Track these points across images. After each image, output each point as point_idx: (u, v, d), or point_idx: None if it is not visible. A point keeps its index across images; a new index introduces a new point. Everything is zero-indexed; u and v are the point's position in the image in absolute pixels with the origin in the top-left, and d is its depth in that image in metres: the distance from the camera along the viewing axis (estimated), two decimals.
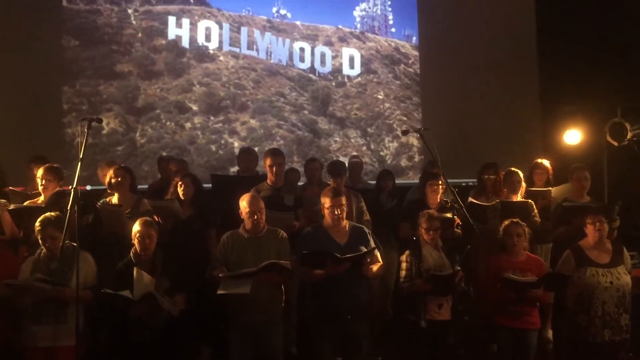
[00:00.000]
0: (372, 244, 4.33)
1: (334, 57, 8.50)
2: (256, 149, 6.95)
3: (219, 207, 5.17)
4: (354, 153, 8.12)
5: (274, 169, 5.20)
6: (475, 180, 6.25)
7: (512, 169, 5.50)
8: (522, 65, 8.75)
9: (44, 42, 7.37)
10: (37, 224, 4.05)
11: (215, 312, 4.54)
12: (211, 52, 8.03)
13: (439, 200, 5.26)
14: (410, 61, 8.81)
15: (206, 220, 5.04)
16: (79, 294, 3.77)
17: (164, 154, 7.59)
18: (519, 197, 5.44)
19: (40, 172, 4.77)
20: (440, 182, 5.19)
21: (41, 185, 4.74)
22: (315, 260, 4.17)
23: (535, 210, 5.34)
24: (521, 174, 5.47)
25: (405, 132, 5.21)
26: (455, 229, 4.88)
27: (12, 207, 4.52)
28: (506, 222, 4.66)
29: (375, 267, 4.32)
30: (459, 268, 4.43)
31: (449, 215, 4.72)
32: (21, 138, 6.83)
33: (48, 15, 7.42)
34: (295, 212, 5.15)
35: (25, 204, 4.69)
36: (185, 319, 4.22)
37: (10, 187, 5.06)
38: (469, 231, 4.57)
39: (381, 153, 8.56)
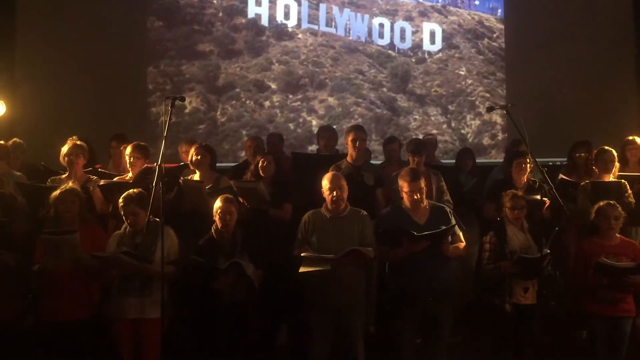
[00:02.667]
0: (454, 223, 4.20)
1: (414, 33, 8.27)
2: (334, 127, 6.91)
3: (299, 184, 5.18)
4: (434, 131, 7.90)
5: (357, 143, 5.14)
6: (564, 159, 5.95)
7: (605, 147, 5.18)
8: (616, 36, 8.17)
9: (130, 24, 7.61)
10: (120, 200, 4.18)
11: (294, 291, 4.56)
12: (290, 29, 8.01)
13: (525, 180, 5.02)
14: (494, 35, 8.43)
15: (286, 196, 5.04)
16: (163, 268, 3.86)
17: (244, 132, 7.72)
18: (611, 177, 5.11)
19: (128, 150, 4.93)
20: (527, 161, 4.95)
21: (129, 162, 4.89)
22: (392, 239, 4.09)
23: (630, 191, 5.00)
24: (615, 153, 5.14)
25: (490, 109, 5.02)
26: (545, 212, 4.65)
27: (102, 182, 4.70)
28: (601, 204, 4.39)
29: (457, 247, 4.19)
30: (548, 251, 4.21)
31: (537, 196, 4.49)
32: (109, 118, 7.10)
33: None
34: (374, 191, 5.08)
35: (114, 179, 4.86)
36: (264, 297, 4.26)
37: (99, 167, 5.27)
38: (559, 212, 4.34)
39: (462, 131, 8.29)
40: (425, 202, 4.29)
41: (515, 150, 5.53)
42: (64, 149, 4.79)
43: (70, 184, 4.37)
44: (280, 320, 5.05)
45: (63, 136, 5.02)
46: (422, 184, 4.21)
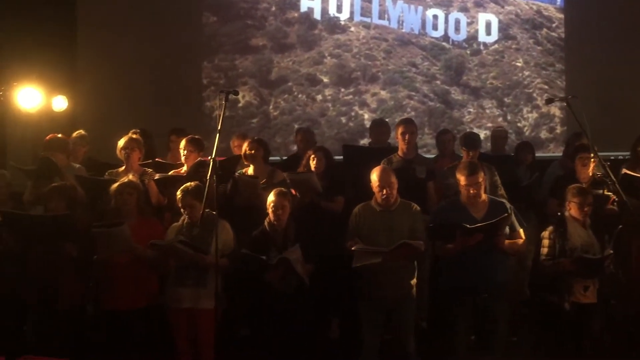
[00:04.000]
0: (512, 218, 4.10)
1: (469, 24, 8.08)
2: (385, 120, 6.84)
3: (350, 177, 5.17)
4: (489, 124, 7.73)
5: (407, 137, 5.08)
6: (626, 153, 5.70)
7: None
8: None
9: (186, 20, 7.77)
10: (178, 193, 4.26)
11: (345, 284, 4.56)
12: (342, 23, 7.97)
13: (590, 175, 4.84)
14: (553, 25, 8.15)
15: (338, 189, 5.03)
16: (217, 260, 3.92)
17: (296, 126, 7.74)
18: None
19: (182, 143, 5.02)
20: (591, 155, 4.77)
21: (183, 155, 4.98)
22: (445, 233, 4.03)
23: None
24: None
25: (549, 101, 4.87)
26: (611, 206, 4.47)
27: (157, 176, 4.80)
28: None
29: (515, 242, 4.09)
30: (611, 252, 4.05)
31: (601, 191, 4.32)
32: (165, 111, 7.26)
33: None
34: (426, 185, 5.01)
35: (169, 173, 4.95)
36: (315, 291, 4.27)
37: (158, 159, 5.38)
38: (622, 208, 4.16)
39: (519, 124, 8.07)
40: (484, 196, 4.20)
41: (579, 144, 5.34)
42: (121, 142, 4.91)
43: (130, 176, 4.47)
44: (331, 314, 5.05)
45: (123, 130, 5.15)
46: (480, 178, 4.13)
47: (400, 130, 5.14)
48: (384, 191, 4.16)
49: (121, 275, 4.19)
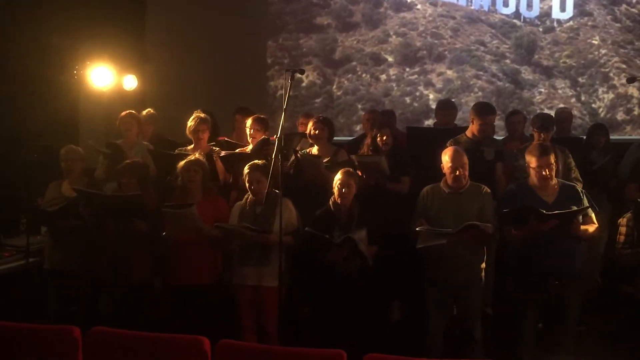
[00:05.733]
0: (586, 204, 3.93)
1: (542, 0, 7.74)
2: (452, 100, 6.68)
3: (414, 159, 5.08)
4: (561, 105, 7.41)
5: (484, 128, 4.91)
6: None
7: None
8: None
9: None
10: (245, 168, 4.31)
11: (409, 267, 4.50)
12: (409, 1, 7.80)
13: None
14: (634, 0, 7.70)
15: (403, 170, 4.96)
16: (281, 238, 3.94)
17: (360, 106, 7.67)
18: None
19: (249, 122, 5.05)
20: None
21: (249, 134, 5.02)
22: (518, 218, 3.89)
23: None
24: None
25: (631, 80, 4.62)
26: None
27: (223, 153, 4.86)
28: None
29: (589, 228, 3.92)
30: None
31: None
32: (230, 91, 7.34)
33: None
34: (494, 166, 4.87)
35: (235, 151, 5.01)
36: (378, 273, 4.23)
37: (225, 138, 5.45)
38: None
39: (593, 105, 7.71)
40: (555, 180, 4.04)
41: None
42: (190, 122, 4.98)
43: (197, 154, 4.55)
44: (394, 296, 5.01)
45: (189, 108, 5.23)
46: (552, 159, 3.96)
47: (479, 121, 4.91)
48: (457, 172, 4.07)
49: (187, 252, 4.29)
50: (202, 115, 5.02)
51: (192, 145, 5.00)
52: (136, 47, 7.49)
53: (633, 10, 7.71)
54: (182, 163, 4.43)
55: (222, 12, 7.62)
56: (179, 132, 5.27)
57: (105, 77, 6.54)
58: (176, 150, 5.01)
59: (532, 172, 4.02)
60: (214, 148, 4.97)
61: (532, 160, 4.00)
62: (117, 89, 6.80)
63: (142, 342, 3.06)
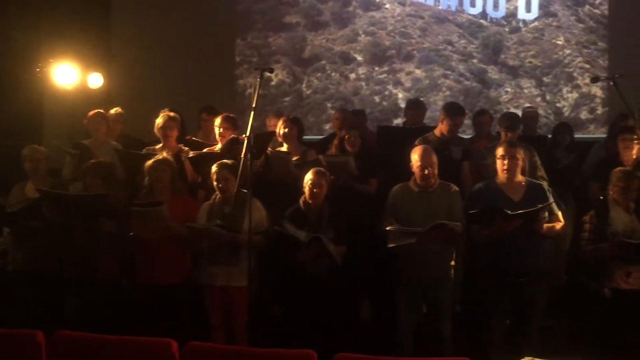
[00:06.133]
0: (551, 200, 4.01)
1: (508, 0, 7.84)
2: (421, 99, 6.73)
3: (384, 158, 5.10)
4: (527, 104, 7.53)
5: (453, 128, 4.98)
6: None
7: None
8: None
9: None
10: (213, 167, 4.28)
11: (378, 266, 4.52)
12: (377, 0, 7.82)
13: (635, 157, 4.68)
14: (597, 1, 7.85)
15: (371, 171, 4.98)
16: (250, 238, 3.91)
17: (329, 105, 7.68)
18: None
19: (217, 121, 5.00)
20: (635, 137, 4.62)
21: (218, 133, 4.97)
22: (484, 218, 3.94)
23: None
24: None
25: (595, 80, 4.70)
26: None
27: (191, 154, 4.81)
28: None
29: (554, 226, 3.99)
30: None
31: None
32: (198, 89, 7.26)
33: None
34: (461, 164, 4.93)
35: (203, 150, 4.95)
36: (347, 272, 4.24)
37: (192, 137, 5.39)
38: None
39: (558, 104, 7.85)
40: (522, 178, 4.11)
41: (622, 125, 5.16)
42: (158, 121, 4.91)
43: (165, 154, 4.49)
44: (363, 295, 5.02)
45: (155, 107, 5.15)
46: (519, 154, 4.03)
47: (448, 121, 4.97)
48: (426, 171, 4.10)
49: (156, 251, 4.24)
50: (171, 113, 4.96)
51: (160, 144, 4.93)
52: (101, 44, 7.37)
53: (596, 11, 7.87)
54: (150, 162, 4.37)
55: (190, 10, 7.55)
56: (146, 131, 5.19)
57: (69, 75, 6.41)
58: (144, 150, 4.94)
59: (498, 163, 4.07)
60: (183, 148, 4.91)
61: (499, 150, 4.07)
62: (82, 87, 6.67)
63: (108, 345, 3.00)
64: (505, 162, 4.03)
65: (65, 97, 6.68)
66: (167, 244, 4.22)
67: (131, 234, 4.25)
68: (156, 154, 4.52)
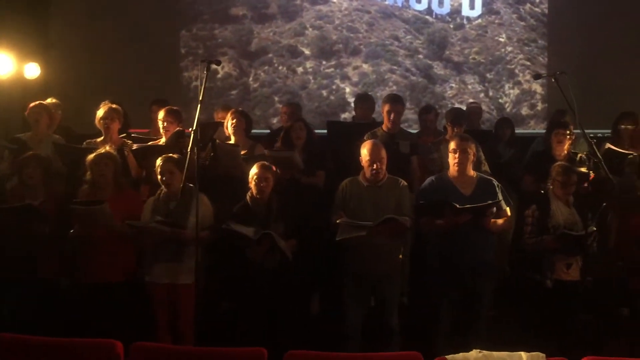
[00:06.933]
0: (500, 197, 4.08)
1: None
2: (370, 94, 6.75)
3: (331, 151, 5.10)
4: (471, 100, 7.68)
5: (392, 115, 5.02)
6: (606, 131, 5.72)
7: None
8: None
9: None
10: (158, 160, 4.17)
11: (327, 259, 4.52)
12: None
13: (566, 152, 4.85)
14: (537, 0, 8.10)
15: (318, 164, 4.97)
16: (198, 234, 3.83)
17: (277, 99, 7.62)
18: None
19: (161, 115, 4.88)
20: (568, 132, 4.78)
21: (162, 127, 4.85)
22: (434, 210, 3.99)
23: None
24: None
25: (537, 77, 4.85)
26: (587, 184, 4.49)
27: (135, 147, 4.67)
28: None
29: (499, 221, 4.08)
30: (594, 228, 4.06)
31: (582, 169, 4.32)
32: (142, 81, 7.08)
33: None
34: (411, 159, 4.98)
35: (147, 144, 4.82)
36: (297, 266, 4.22)
37: (132, 131, 5.23)
38: (607, 187, 4.16)
39: (500, 100, 8.06)
40: (472, 173, 4.18)
41: (557, 120, 5.33)
42: (100, 112, 4.75)
43: (107, 147, 4.34)
44: (313, 289, 5.02)
45: (95, 100, 4.99)
46: (470, 148, 4.10)
47: (386, 107, 5.07)
48: (375, 166, 4.11)
49: (97, 250, 4.09)
50: (113, 105, 4.81)
51: (101, 138, 4.76)
52: (39, 32, 7.05)
53: (537, 9, 8.11)
54: (91, 156, 4.21)
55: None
56: (87, 124, 5.01)
57: (4, 64, 6.11)
58: (84, 143, 4.76)
59: (450, 157, 4.13)
60: (126, 141, 4.76)
61: (451, 144, 4.12)
62: (17, 77, 6.37)
63: (48, 348, 2.90)
64: (457, 155, 4.10)
65: (0, 88, 6.37)
66: (110, 242, 4.09)
67: (71, 231, 4.09)
68: (97, 148, 4.36)
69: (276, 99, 7.66)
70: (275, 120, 7.35)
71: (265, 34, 7.76)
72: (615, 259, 4.45)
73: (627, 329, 4.44)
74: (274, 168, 4.61)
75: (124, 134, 4.97)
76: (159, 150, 4.41)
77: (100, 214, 3.98)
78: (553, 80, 4.10)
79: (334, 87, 7.82)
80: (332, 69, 7.84)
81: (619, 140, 5.31)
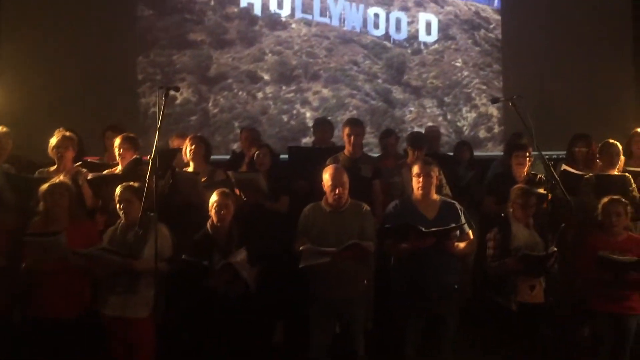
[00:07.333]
0: (463, 221, 4.10)
1: (409, 23, 8.12)
2: (329, 119, 6.76)
3: (294, 178, 5.06)
4: (430, 123, 7.78)
5: (352, 138, 5.02)
6: (560, 152, 5.86)
7: (610, 140, 5.08)
8: (613, 25, 8.10)
9: (119, 12, 7.41)
10: (117, 188, 4.05)
11: (291, 286, 4.44)
12: (283, 19, 7.83)
13: (525, 174, 4.93)
14: (491, 26, 8.30)
15: (282, 189, 4.92)
16: (157, 265, 3.71)
17: (237, 124, 7.55)
18: (615, 172, 5.02)
19: (117, 142, 4.77)
20: (527, 154, 4.89)
21: (118, 154, 4.73)
22: (398, 233, 3.98)
23: (634, 185, 4.91)
24: (620, 146, 5.04)
25: (494, 101, 4.94)
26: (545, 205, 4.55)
27: (90, 176, 4.53)
28: (605, 200, 4.29)
29: (462, 244, 4.10)
30: (555, 249, 4.10)
31: (541, 190, 4.38)
32: (97, 108, 6.91)
33: None
34: (373, 183, 4.98)
35: (103, 173, 4.68)
36: (260, 294, 4.13)
37: (88, 158, 5.08)
38: (565, 207, 4.23)
39: (458, 124, 8.17)
40: (436, 196, 4.19)
41: (515, 143, 5.43)
42: (53, 140, 4.62)
43: (61, 177, 4.20)
44: (276, 317, 4.92)
45: (49, 127, 4.86)
46: (434, 172, 4.12)
47: (346, 131, 5.07)
48: (337, 191, 4.09)
49: (51, 283, 3.94)
50: (67, 133, 4.68)
51: (54, 166, 4.61)
52: None
53: (491, 35, 8.30)
54: (45, 186, 4.07)
55: (89, 23, 7.19)
56: (40, 152, 4.84)
57: None
58: (37, 172, 4.60)
59: (414, 181, 4.14)
60: (81, 170, 4.62)
61: (415, 168, 4.13)
62: None
63: None
64: (420, 179, 4.11)
65: None
66: (64, 275, 3.93)
67: (23, 265, 3.92)
68: (49, 178, 4.21)
69: (236, 124, 7.59)
70: (235, 146, 7.27)
71: (224, 60, 7.70)
72: (575, 279, 4.49)
73: (587, 350, 4.48)
74: (237, 192, 4.55)
75: (79, 162, 4.83)
76: (115, 179, 4.29)
77: (55, 245, 3.83)
78: (510, 104, 4.17)
79: (294, 112, 7.80)
80: (292, 94, 7.83)
81: (574, 161, 5.45)
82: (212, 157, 5.27)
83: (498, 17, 8.31)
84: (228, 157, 6.46)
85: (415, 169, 4.14)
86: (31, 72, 6.89)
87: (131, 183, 4.08)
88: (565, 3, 8.11)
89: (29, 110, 6.64)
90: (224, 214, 4.08)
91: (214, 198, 4.10)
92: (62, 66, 7.03)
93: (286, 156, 5.64)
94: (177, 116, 7.48)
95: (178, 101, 7.48)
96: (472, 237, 4.20)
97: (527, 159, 5.01)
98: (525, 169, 5.02)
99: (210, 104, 7.64)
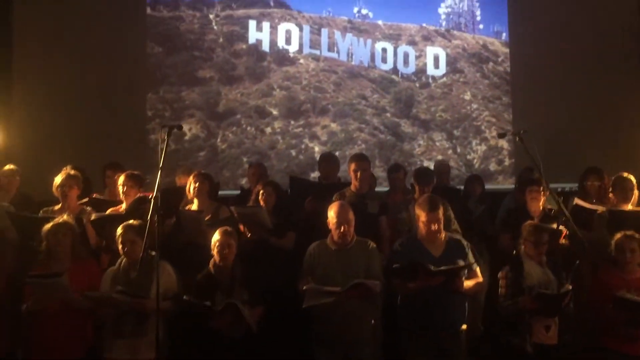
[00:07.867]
0: (471, 259, 4.01)
1: (417, 57, 8.15)
2: (337, 153, 6.76)
3: (299, 211, 5.01)
4: (439, 157, 7.73)
5: (359, 174, 4.96)
6: (571, 184, 5.76)
7: (624, 174, 4.96)
8: (625, 58, 8.03)
9: (129, 50, 7.50)
10: (119, 229, 4.01)
11: (297, 327, 4.34)
12: (291, 55, 7.89)
13: (541, 209, 4.83)
14: (499, 59, 8.31)
15: (288, 225, 4.85)
16: (159, 305, 3.65)
17: (245, 159, 7.55)
18: (629, 206, 4.90)
19: (121, 179, 4.75)
20: (541, 189, 4.79)
21: (122, 192, 4.71)
22: (407, 272, 3.89)
23: None
24: (634, 181, 4.93)
25: (502, 135, 4.86)
26: (563, 240, 4.44)
27: (93, 217, 4.50)
28: (618, 236, 4.17)
29: (471, 283, 3.99)
30: (570, 287, 3.98)
31: (554, 226, 4.28)
32: (107, 145, 6.94)
33: (133, 23, 7.55)
34: (379, 219, 4.90)
35: (107, 212, 4.66)
36: (264, 335, 4.04)
37: (95, 195, 5.07)
38: (578, 244, 4.12)
39: (468, 157, 8.12)
40: (443, 233, 4.10)
41: (529, 178, 5.34)
42: (57, 179, 4.62)
43: (65, 216, 4.17)
44: (282, 357, 4.80)
45: (60, 165, 4.87)
46: (441, 213, 4.02)
47: (352, 166, 5.01)
48: (342, 228, 4.01)
49: (53, 325, 3.88)
50: (71, 171, 4.67)
51: (59, 205, 4.59)
52: (1, 97, 6.92)
53: (499, 68, 8.30)
54: (48, 226, 4.05)
55: (99, 62, 7.27)
56: (49, 189, 4.84)
57: None
58: (41, 211, 4.58)
59: (421, 226, 4.05)
60: (85, 208, 4.60)
61: (421, 215, 4.03)
62: None
63: None
64: (433, 227, 3.99)
65: None
66: (66, 316, 3.88)
67: (24, 306, 3.87)
68: (54, 216, 4.19)
69: (245, 159, 7.59)
70: (244, 181, 7.25)
71: (232, 95, 7.76)
72: (590, 317, 4.35)
73: None
74: (241, 228, 4.48)
75: (86, 199, 4.82)
76: (119, 219, 4.25)
77: (57, 287, 3.78)
78: (517, 139, 4.11)
79: (302, 146, 7.80)
80: (300, 129, 7.83)
81: (587, 195, 5.34)
82: (221, 192, 5.24)
83: (506, 50, 8.32)
84: (237, 192, 6.43)
85: (422, 216, 4.03)
86: (42, 110, 6.97)
87: (132, 222, 4.04)
88: (574, 35, 8.09)
89: (40, 149, 6.69)
90: (226, 254, 4.02)
91: (216, 237, 4.05)
92: (72, 103, 7.10)
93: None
94: (186, 152, 7.49)
95: (187, 137, 7.51)
96: (479, 275, 4.08)
97: (542, 193, 4.91)
98: (541, 203, 4.92)
99: (218, 140, 7.66)
